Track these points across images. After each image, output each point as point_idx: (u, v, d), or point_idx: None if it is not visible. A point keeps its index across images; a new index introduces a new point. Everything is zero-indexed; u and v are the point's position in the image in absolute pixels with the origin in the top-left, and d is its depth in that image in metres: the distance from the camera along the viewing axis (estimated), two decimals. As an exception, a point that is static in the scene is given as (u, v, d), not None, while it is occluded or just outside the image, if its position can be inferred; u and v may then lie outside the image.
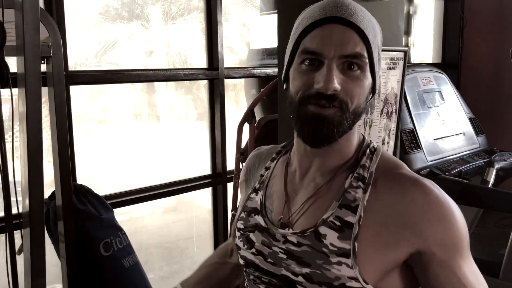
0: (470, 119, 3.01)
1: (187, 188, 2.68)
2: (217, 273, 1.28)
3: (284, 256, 0.98)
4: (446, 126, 2.80)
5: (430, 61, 4.25)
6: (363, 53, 0.90)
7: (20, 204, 1.69)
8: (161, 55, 2.67)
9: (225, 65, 2.76)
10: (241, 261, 1.08)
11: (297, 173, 1.04)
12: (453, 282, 0.91)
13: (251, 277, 1.06)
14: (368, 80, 0.93)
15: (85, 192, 2.07)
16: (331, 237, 0.92)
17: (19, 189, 1.67)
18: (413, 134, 2.47)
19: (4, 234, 1.71)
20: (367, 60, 0.91)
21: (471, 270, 0.92)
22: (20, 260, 1.72)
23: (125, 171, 2.62)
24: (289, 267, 0.96)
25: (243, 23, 3.13)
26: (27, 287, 1.69)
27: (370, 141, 1.04)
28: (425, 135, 2.56)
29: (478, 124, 3.03)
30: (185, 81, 2.74)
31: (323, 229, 0.93)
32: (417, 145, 2.45)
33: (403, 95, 1.99)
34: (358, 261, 0.89)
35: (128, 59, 2.53)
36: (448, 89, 3.05)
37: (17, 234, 1.74)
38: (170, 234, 2.87)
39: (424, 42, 4.23)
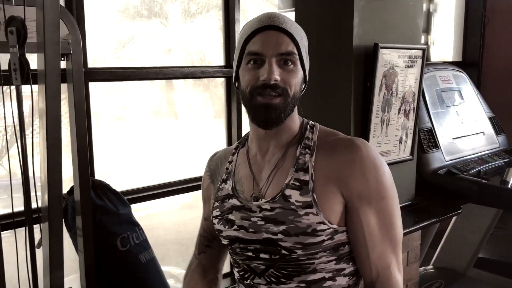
0: (490, 118, 2.95)
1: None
2: None
3: (263, 222, 1.19)
4: (465, 125, 2.76)
5: (450, 60, 4.19)
6: (294, 51, 1.16)
7: (39, 199, 1.71)
8: (179, 53, 2.68)
9: (242, 63, 2.75)
10: (225, 241, 1.29)
11: (258, 155, 1.27)
12: (358, 226, 1.17)
13: (237, 250, 1.26)
14: (300, 72, 1.19)
15: (103, 187, 2.08)
16: (295, 195, 1.17)
17: (38, 184, 1.70)
18: (431, 133, 2.45)
19: (24, 228, 1.75)
20: (298, 57, 1.17)
21: (379, 219, 1.16)
22: (39, 253, 1.75)
23: (143, 167, 2.64)
24: (268, 229, 1.18)
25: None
26: (46, 279, 1.71)
27: (309, 120, 1.30)
28: (443, 134, 2.53)
29: (498, 123, 2.97)
30: (202, 79, 2.75)
31: (288, 191, 1.18)
32: (435, 144, 2.42)
33: (421, 94, 1.97)
34: (320, 208, 1.14)
35: (146, 56, 2.55)
36: (468, 88, 3.01)
37: (36, 229, 1.77)
38: (186, 230, 2.88)
39: (444, 40, 4.18)
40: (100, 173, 2.28)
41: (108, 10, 2.42)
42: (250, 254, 1.23)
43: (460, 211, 2.22)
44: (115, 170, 2.52)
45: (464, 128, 2.74)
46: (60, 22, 1.58)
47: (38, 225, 1.76)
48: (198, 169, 2.76)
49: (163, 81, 2.65)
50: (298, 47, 1.18)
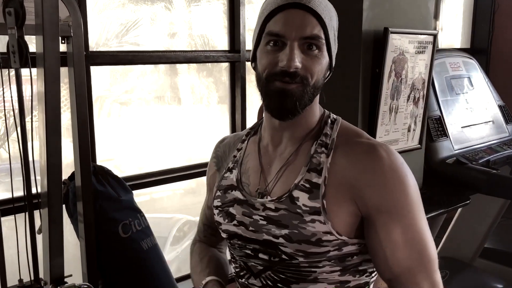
0: (500, 106, 2.90)
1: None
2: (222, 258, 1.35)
3: (264, 222, 1.09)
4: (475, 113, 2.70)
5: (459, 46, 4.12)
6: (320, 35, 1.02)
7: (39, 184, 1.69)
8: (183, 37, 2.64)
9: (247, 48, 2.71)
10: (224, 235, 1.19)
11: (270, 146, 1.15)
12: (376, 242, 1.03)
13: (236, 246, 1.16)
14: (326, 58, 1.06)
15: (105, 173, 2.05)
16: (303, 199, 1.05)
17: (39, 169, 1.67)
18: (440, 121, 2.39)
19: (24, 214, 1.72)
20: (324, 41, 1.03)
21: (403, 235, 1.02)
22: (40, 239, 1.73)
23: (146, 152, 2.62)
24: (269, 231, 1.08)
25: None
26: (46, 265, 1.70)
27: (330, 113, 1.17)
28: (452, 122, 2.48)
29: (508, 112, 2.92)
30: (206, 64, 2.70)
31: (296, 193, 1.06)
32: (443, 133, 2.37)
33: (431, 81, 1.92)
34: (328, 217, 1.02)
35: (150, 40, 2.51)
36: (478, 75, 2.95)
37: (37, 213, 1.75)
38: (190, 215, 2.87)
39: (453, 26, 4.10)
40: (104, 158, 2.25)
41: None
42: (248, 252, 1.14)
43: (468, 201, 2.18)
44: (118, 155, 2.49)
45: (473, 116, 2.68)
46: (60, 3, 1.54)
47: (38, 210, 1.74)
48: (201, 155, 2.74)
49: (167, 66, 2.61)
50: (325, 30, 1.04)
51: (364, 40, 1.91)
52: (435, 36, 1.88)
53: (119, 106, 2.63)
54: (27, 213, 1.75)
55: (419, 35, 1.84)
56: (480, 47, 4.02)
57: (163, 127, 2.68)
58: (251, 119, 2.73)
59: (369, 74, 1.91)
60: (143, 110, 2.63)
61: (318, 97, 1.12)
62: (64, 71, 1.70)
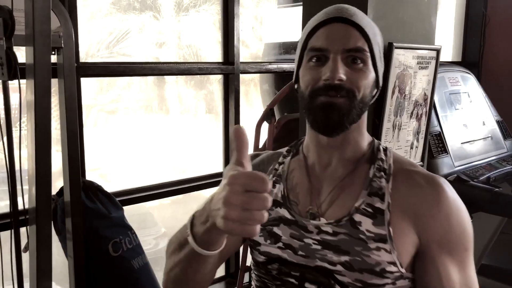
0: (498, 122, 2.88)
1: (200, 186, 2.60)
2: None
3: (319, 247, 0.99)
4: (473, 129, 2.67)
5: (450, 60, 4.12)
6: (365, 48, 0.97)
7: (27, 198, 1.61)
8: (172, 47, 2.59)
9: (241, 60, 2.66)
10: (260, 258, 1.05)
11: (317, 166, 1.06)
12: (434, 277, 0.96)
13: (274, 272, 1.04)
14: (372, 73, 0.99)
15: (95, 189, 1.99)
16: (366, 224, 0.97)
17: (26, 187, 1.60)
18: (440, 137, 2.36)
19: (10, 231, 1.64)
20: (369, 54, 0.98)
21: (460, 274, 0.97)
22: (26, 256, 1.65)
23: (134, 162, 2.56)
24: (325, 257, 0.98)
25: (255, 16, 3.04)
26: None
27: (378, 141, 1.10)
28: (452, 138, 2.44)
29: (505, 127, 2.90)
30: (195, 75, 2.65)
31: (357, 217, 0.98)
32: (444, 149, 2.33)
33: (433, 97, 1.88)
34: (395, 246, 0.95)
35: (139, 50, 2.46)
36: (476, 90, 2.93)
37: (24, 229, 1.67)
38: (179, 225, 2.80)
39: (444, 40, 4.11)
40: (89, 167, 2.18)
41: (100, 2, 2.32)
42: (292, 280, 1.01)
43: (472, 220, 2.13)
44: (104, 165, 2.43)
45: (472, 132, 2.66)
46: (51, 13, 1.48)
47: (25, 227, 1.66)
48: (192, 169, 2.68)
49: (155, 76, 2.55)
50: (369, 44, 0.98)
51: (368, 55, 1.84)
52: (438, 51, 1.85)
53: (106, 115, 2.57)
54: (12, 231, 1.67)
55: (422, 51, 1.80)
56: (471, 61, 4.03)
57: (151, 136, 2.62)
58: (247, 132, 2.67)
59: (373, 90, 1.85)
60: (130, 119, 2.57)
61: (366, 119, 1.06)
62: (53, 82, 1.63)
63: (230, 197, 0.70)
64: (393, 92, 1.68)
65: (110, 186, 2.13)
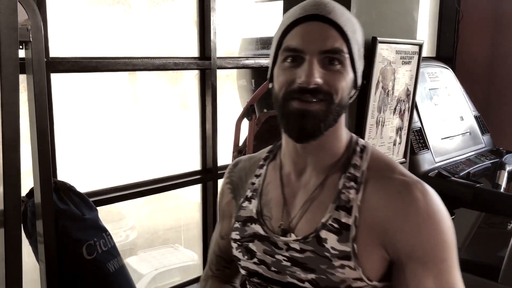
0: (475, 117, 2.90)
1: (176, 185, 2.53)
2: None
3: (288, 264, 0.99)
4: (453, 124, 2.68)
5: (424, 55, 4.15)
6: (343, 48, 0.93)
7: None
8: (143, 42, 2.52)
9: (218, 55, 2.60)
10: (243, 271, 1.09)
11: (292, 175, 1.04)
12: None
13: (257, 285, 1.07)
14: (350, 75, 0.96)
15: (67, 189, 1.91)
16: (332, 241, 0.95)
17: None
18: (420, 133, 2.35)
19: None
20: (347, 55, 0.94)
21: (436, 286, 0.93)
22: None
23: (106, 162, 2.48)
24: (294, 274, 0.99)
25: (228, 12, 2.98)
26: (1, 296, 1.54)
27: (358, 138, 1.07)
28: (432, 134, 2.44)
29: (483, 122, 2.92)
30: (168, 71, 2.58)
31: (323, 233, 0.96)
32: (424, 145, 2.33)
33: (416, 93, 1.86)
34: (359, 262, 0.93)
35: (111, 46, 2.37)
36: (454, 85, 2.94)
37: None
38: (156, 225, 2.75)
39: (419, 34, 4.13)
40: (59, 169, 2.09)
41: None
42: None
43: (453, 216, 2.14)
44: (75, 165, 2.34)
45: (451, 127, 2.67)
46: (17, 5, 1.40)
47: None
48: (168, 168, 2.61)
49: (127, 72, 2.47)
50: (348, 44, 0.95)
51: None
52: (420, 46, 1.83)
53: (76, 114, 2.48)
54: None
55: (405, 45, 1.78)
56: (445, 56, 4.06)
57: (123, 135, 2.54)
58: (223, 130, 2.62)
59: (356, 86, 1.82)
60: (103, 119, 2.49)
61: (343, 121, 1.02)
62: (21, 79, 1.55)
63: None
64: (376, 88, 1.66)
65: (81, 185, 2.06)
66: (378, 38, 1.61)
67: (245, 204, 1.10)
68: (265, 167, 1.12)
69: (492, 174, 2.50)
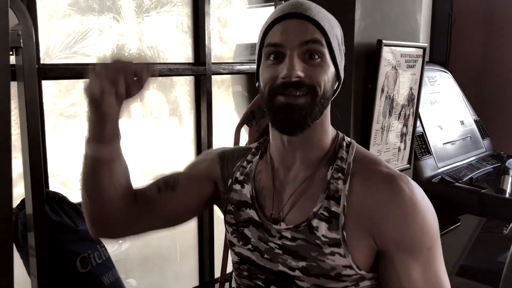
0: (475, 121, 2.88)
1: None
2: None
3: (280, 252, 1.03)
4: (453, 129, 2.66)
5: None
6: (321, 40, 0.97)
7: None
8: (133, 48, 2.48)
9: (213, 60, 2.56)
10: (235, 258, 1.11)
11: (281, 169, 1.07)
12: (394, 279, 0.97)
13: (245, 273, 1.09)
14: (331, 67, 1.00)
15: (60, 200, 1.86)
16: (322, 229, 0.98)
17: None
18: (423, 138, 2.32)
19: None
20: (326, 48, 0.98)
21: (424, 273, 0.97)
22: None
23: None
24: (285, 262, 1.02)
25: (219, 18, 2.95)
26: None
27: (344, 135, 1.10)
28: (434, 139, 2.41)
29: (483, 127, 2.90)
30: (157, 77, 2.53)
31: (315, 222, 0.99)
32: (427, 151, 2.30)
33: (420, 97, 1.83)
34: (349, 250, 0.96)
35: (100, 52, 2.33)
36: (454, 89, 2.93)
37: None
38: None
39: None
40: (49, 174, 2.03)
41: (58, 2, 2.18)
42: (259, 283, 1.06)
43: (459, 223, 2.11)
44: (64, 171, 2.30)
45: (452, 132, 2.64)
46: (8, 10, 1.35)
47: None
48: (162, 175, 2.55)
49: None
50: (326, 37, 0.98)
51: (356, 53, 1.78)
52: (424, 50, 1.80)
53: (65, 120, 2.43)
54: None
55: (409, 48, 1.74)
56: (438, 61, 4.06)
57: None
58: (218, 137, 2.57)
59: (361, 90, 1.77)
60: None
61: (329, 115, 1.06)
62: (12, 85, 1.49)
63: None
64: (382, 92, 1.62)
65: (71, 193, 2.01)
66: (384, 41, 1.57)
67: (237, 187, 1.13)
68: (257, 157, 1.14)
69: (494, 179, 2.48)
